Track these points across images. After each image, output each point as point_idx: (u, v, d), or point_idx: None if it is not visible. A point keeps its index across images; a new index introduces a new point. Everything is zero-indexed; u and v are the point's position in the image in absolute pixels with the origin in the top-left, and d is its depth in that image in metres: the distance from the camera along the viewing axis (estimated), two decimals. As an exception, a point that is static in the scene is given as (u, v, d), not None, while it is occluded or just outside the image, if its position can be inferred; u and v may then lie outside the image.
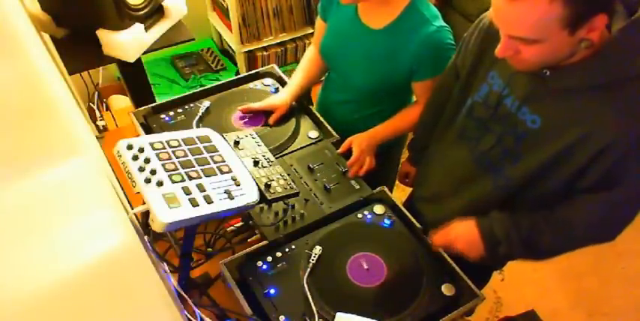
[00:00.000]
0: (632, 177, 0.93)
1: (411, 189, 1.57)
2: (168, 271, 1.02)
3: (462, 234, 1.11)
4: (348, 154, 1.36)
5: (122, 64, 1.51)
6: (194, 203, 0.83)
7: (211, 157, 0.95)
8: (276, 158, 1.22)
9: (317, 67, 1.52)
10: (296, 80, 1.49)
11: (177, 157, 0.90)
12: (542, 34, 0.83)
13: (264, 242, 1.16)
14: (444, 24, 1.26)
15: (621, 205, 0.98)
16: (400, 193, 1.65)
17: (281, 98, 1.44)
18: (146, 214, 0.92)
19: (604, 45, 0.87)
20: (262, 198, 0.97)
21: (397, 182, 1.86)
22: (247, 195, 0.90)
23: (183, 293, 0.95)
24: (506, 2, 0.82)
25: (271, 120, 1.42)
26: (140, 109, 1.44)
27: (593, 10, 0.80)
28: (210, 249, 1.21)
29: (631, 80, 0.88)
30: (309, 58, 1.53)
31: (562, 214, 1.03)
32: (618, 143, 0.89)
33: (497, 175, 1.10)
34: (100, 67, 2.28)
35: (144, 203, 0.82)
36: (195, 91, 1.50)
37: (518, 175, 1.06)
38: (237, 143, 1.11)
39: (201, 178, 0.88)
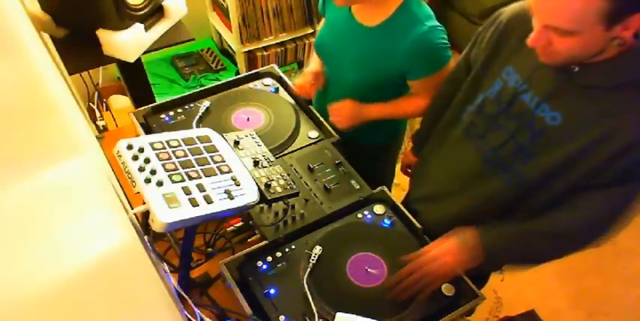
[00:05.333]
0: None
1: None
2: (169, 271, 1.02)
3: (458, 244, 1.09)
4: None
5: (122, 64, 1.51)
6: (194, 203, 0.83)
7: (211, 157, 0.95)
8: (276, 158, 1.22)
9: None
10: (316, 56, 1.56)
11: (177, 157, 0.90)
12: (578, 26, 0.83)
13: (264, 242, 1.16)
14: (437, 24, 1.27)
15: (630, 200, 0.98)
16: (400, 193, 1.65)
17: (313, 69, 1.53)
18: (146, 214, 0.92)
19: (635, 44, 0.87)
20: (262, 198, 0.97)
21: (394, 182, 1.86)
22: (247, 195, 0.90)
23: (183, 293, 0.95)
24: None
25: (319, 86, 1.52)
26: (140, 109, 1.44)
27: (632, 8, 0.80)
28: (210, 249, 1.21)
29: None
30: None
31: (566, 212, 1.04)
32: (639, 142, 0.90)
33: (509, 173, 1.09)
34: (100, 67, 2.28)
35: (144, 203, 0.82)
36: (195, 91, 1.50)
37: (535, 173, 1.05)
38: (237, 143, 1.11)
39: (201, 178, 0.88)
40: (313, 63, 1.57)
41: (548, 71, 0.98)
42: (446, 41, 1.27)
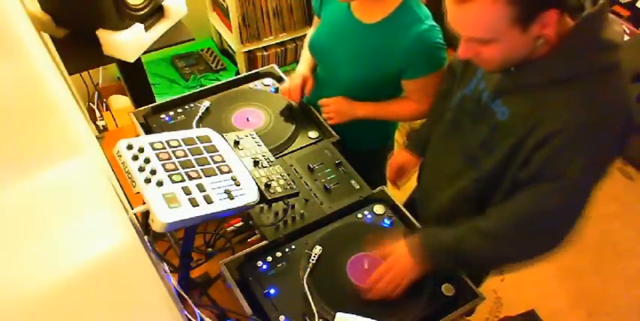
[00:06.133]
0: (574, 168, 0.92)
1: (398, 190, 1.57)
2: (169, 271, 1.02)
3: (394, 261, 1.08)
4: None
5: (122, 64, 1.51)
6: (194, 203, 0.83)
7: (211, 157, 0.95)
8: (276, 158, 1.22)
9: None
10: (307, 56, 1.56)
11: (177, 157, 0.90)
12: (494, 34, 0.86)
13: (264, 242, 1.16)
14: (435, 24, 1.28)
15: (562, 197, 0.96)
16: (399, 193, 1.65)
17: (302, 73, 1.50)
18: (146, 214, 0.92)
19: (563, 40, 0.88)
20: (262, 198, 0.97)
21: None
22: (247, 195, 0.90)
23: (183, 293, 0.95)
24: (455, 6, 0.86)
25: (307, 91, 1.47)
26: (140, 109, 1.44)
27: (538, 7, 0.82)
28: (210, 249, 1.21)
29: (589, 74, 0.90)
30: None
31: (496, 209, 1.04)
32: (564, 131, 0.90)
33: (477, 167, 1.11)
34: (100, 67, 2.28)
35: (144, 203, 0.82)
36: (195, 91, 1.50)
37: (488, 167, 1.07)
38: (237, 143, 1.11)
39: (201, 178, 0.88)
40: (302, 66, 1.55)
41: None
42: (443, 42, 1.28)
